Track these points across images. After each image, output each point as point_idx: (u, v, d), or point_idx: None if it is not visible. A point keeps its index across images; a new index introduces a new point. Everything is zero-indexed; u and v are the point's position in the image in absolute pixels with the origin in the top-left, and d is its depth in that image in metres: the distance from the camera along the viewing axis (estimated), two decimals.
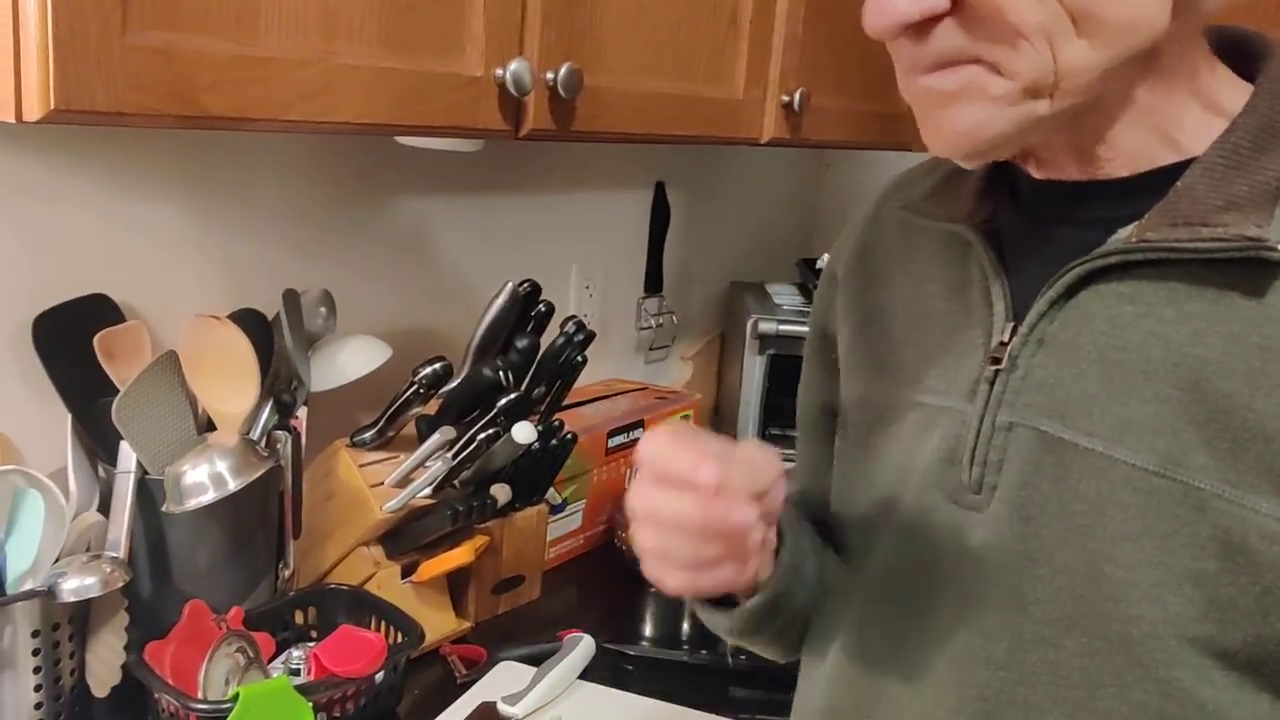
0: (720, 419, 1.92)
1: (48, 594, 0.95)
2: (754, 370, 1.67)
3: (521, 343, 1.20)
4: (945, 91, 0.61)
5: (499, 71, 0.98)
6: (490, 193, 1.52)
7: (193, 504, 1.01)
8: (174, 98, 0.76)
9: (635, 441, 1.57)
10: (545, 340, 1.29)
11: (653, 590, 1.41)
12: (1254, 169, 0.60)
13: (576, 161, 1.64)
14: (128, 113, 0.74)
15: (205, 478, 1.01)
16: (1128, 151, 0.63)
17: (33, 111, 0.70)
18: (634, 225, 1.81)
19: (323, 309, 1.23)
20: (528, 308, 1.28)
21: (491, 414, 1.15)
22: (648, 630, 1.38)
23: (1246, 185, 0.59)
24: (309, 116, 0.85)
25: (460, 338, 1.27)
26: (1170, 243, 0.60)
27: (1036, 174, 0.67)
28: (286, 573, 1.17)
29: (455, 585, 1.29)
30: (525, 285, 1.27)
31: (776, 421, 1.73)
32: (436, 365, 1.14)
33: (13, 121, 0.71)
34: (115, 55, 0.72)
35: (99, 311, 1.09)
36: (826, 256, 1.86)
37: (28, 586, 0.96)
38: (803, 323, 1.67)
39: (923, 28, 0.60)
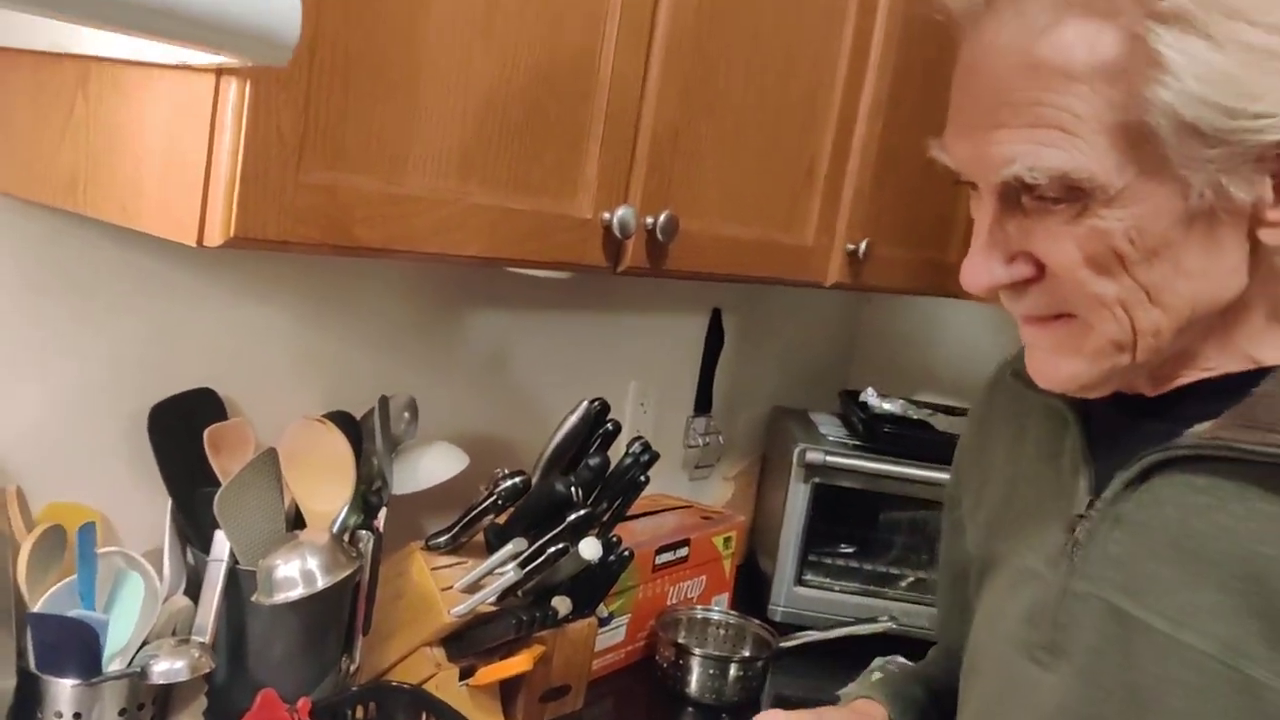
0: (758, 539, 1.96)
1: (140, 675, 1.00)
2: (798, 497, 1.72)
3: (594, 460, 1.26)
4: (1039, 342, 0.70)
5: (606, 215, 1.06)
6: (562, 312, 1.60)
7: (281, 597, 1.06)
8: (332, 229, 0.84)
9: (681, 559, 1.63)
10: (611, 457, 1.35)
11: (689, 708, 1.45)
12: None
13: (642, 285, 1.72)
14: (292, 242, 0.82)
15: (296, 573, 1.06)
16: (1201, 370, 0.70)
17: (214, 238, 0.78)
18: (689, 347, 1.88)
19: (407, 414, 1.29)
20: (596, 425, 1.34)
21: (560, 528, 1.20)
22: None
23: None
24: (443, 249, 0.93)
25: (526, 448, 1.33)
26: (1241, 444, 0.64)
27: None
28: (352, 667, 1.21)
29: (505, 691, 1.32)
30: (596, 404, 1.34)
31: (815, 548, 1.77)
32: (516, 479, 1.20)
33: (192, 245, 0.79)
34: (289, 192, 0.80)
35: (204, 405, 1.16)
36: (871, 390, 1.93)
37: (118, 665, 1.01)
38: (846, 454, 1.72)
39: (1017, 286, 0.67)
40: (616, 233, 1.06)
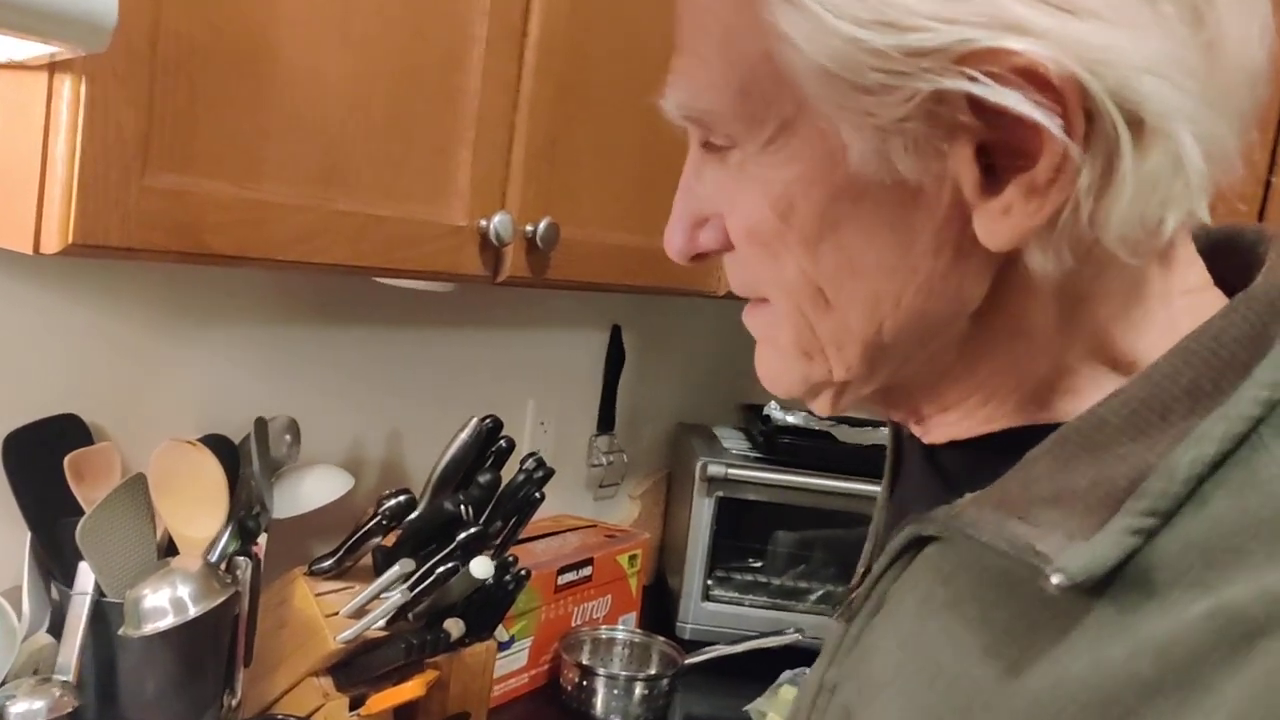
0: (666, 558, 1.94)
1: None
2: (703, 512, 1.71)
3: (484, 478, 1.23)
4: (752, 329, 0.56)
5: (482, 222, 1.04)
6: (451, 328, 1.57)
7: (150, 628, 1.01)
8: (181, 236, 0.81)
9: (585, 579, 1.60)
10: (504, 475, 1.32)
11: None
12: (1110, 458, 0.44)
13: (537, 302, 1.70)
14: (137, 249, 0.78)
15: (166, 602, 1.01)
16: (978, 416, 0.52)
17: (50, 244, 0.74)
18: (589, 365, 1.86)
19: (288, 436, 1.25)
20: (488, 443, 1.31)
21: (450, 548, 1.17)
22: None
23: (1089, 478, 0.45)
24: (303, 258, 0.90)
25: (416, 469, 1.30)
26: (969, 527, 0.48)
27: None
28: (233, 701, 1.15)
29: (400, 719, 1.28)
30: (488, 421, 1.31)
31: (722, 563, 1.76)
32: (401, 497, 1.17)
33: (28, 253, 0.75)
34: (132, 196, 0.77)
35: (68, 431, 1.10)
36: (774, 402, 1.93)
37: None
38: (748, 466, 1.72)
39: (718, 255, 0.55)
40: (494, 240, 1.04)
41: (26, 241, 0.75)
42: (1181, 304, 0.48)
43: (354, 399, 1.43)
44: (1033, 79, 0.40)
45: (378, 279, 1.21)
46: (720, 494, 1.70)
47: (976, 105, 0.42)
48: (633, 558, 1.71)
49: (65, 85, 0.72)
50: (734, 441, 1.86)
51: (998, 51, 0.40)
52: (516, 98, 1.07)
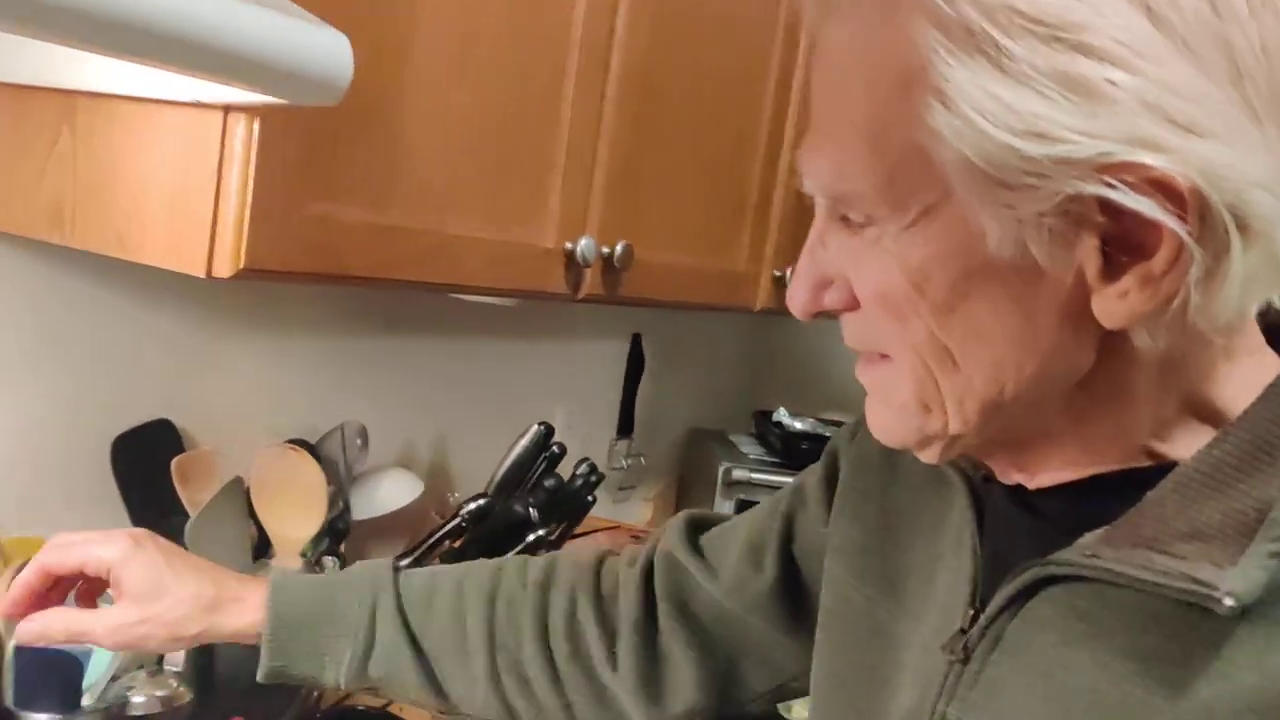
0: None
1: (119, 708, 1.00)
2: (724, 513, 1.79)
3: (549, 482, 1.30)
4: (865, 383, 0.60)
5: (568, 245, 1.11)
6: (491, 340, 1.64)
7: None
8: (326, 259, 0.87)
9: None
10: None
11: None
12: (1234, 492, 0.51)
13: (566, 312, 1.77)
14: (294, 272, 0.85)
15: None
16: (1082, 463, 0.58)
17: (223, 269, 0.80)
18: (611, 372, 1.94)
19: (359, 441, 1.31)
20: (543, 448, 1.39)
21: (520, 547, 1.24)
22: None
23: (1220, 511, 0.51)
24: (423, 278, 0.97)
25: (463, 473, 1.36)
26: (1117, 565, 0.53)
27: (998, 476, 0.63)
28: (314, 696, 1.22)
29: None
30: (543, 427, 1.38)
31: None
32: (481, 501, 1.23)
33: (201, 276, 0.81)
34: (292, 224, 0.83)
35: (163, 436, 1.16)
36: (783, 410, 2.02)
37: (90, 700, 1.00)
38: (766, 470, 1.80)
39: (840, 315, 0.59)
40: (580, 261, 1.11)
41: (199, 266, 0.81)
42: (1248, 362, 0.55)
43: (403, 406, 1.49)
44: (1162, 188, 0.46)
45: (455, 295, 1.28)
46: (740, 496, 1.79)
47: (1105, 205, 0.47)
48: None
49: (240, 124, 0.79)
50: (749, 447, 1.95)
51: (1134, 165, 0.46)
52: (599, 127, 1.14)
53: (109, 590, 0.85)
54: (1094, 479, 0.57)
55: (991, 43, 0.47)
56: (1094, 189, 0.47)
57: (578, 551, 0.93)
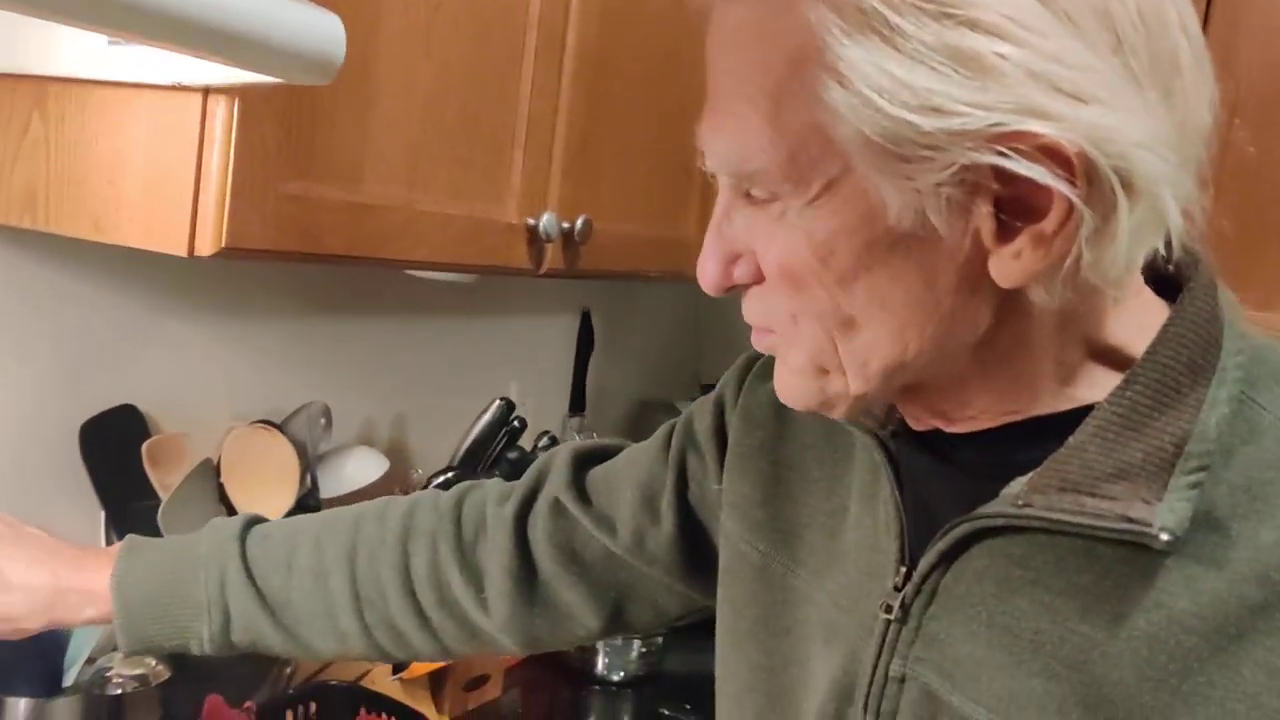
0: None
1: (100, 689, 1.01)
2: None
3: (512, 454, 1.33)
4: (763, 350, 0.63)
5: (530, 220, 1.14)
6: (443, 318, 1.65)
7: None
8: (305, 237, 0.89)
9: None
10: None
11: (596, 686, 1.53)
12: (1151, 430, 0.54)
13: (517, 289, 1.80)
14: (273, 250, 0.86)
15: None
16: (994, 410, 0.60)
17: (205, 248, 0.82)
18: (562, 348, 1.97)
19: (322, 420, 1.32)
20: (504, 423, 1.42)
21: None
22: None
23: (1141, 450, 0.54)
24: (395, 255, 0.99)
25: (423, 449, 1.38)
26: (1054, 514, 0.55)
27: (912, 424, 0.64)
28: (288, 669, 1.23)
29: (432, 683, 1.37)
30: (503, 402, 1.41)
31: None
32: (449, 474, 1.26)
33: (182, 255, 0.82)
34: (270, 203, 0.85)
35: (128, 421, 1.16)
36: None
37: (73, 681, 1.01)
38: None
39: (745, 288, 0.60)
40: (542, 236, 1.14)
41: (181, 246, 0.82)
42: (1134, 304, 0.59)
43: (361, 386, 1.50)
44: (1051, 154, 0.49)
45: (411, 272, 1.30)
46: None
47: (998, 172, 0.50)
48: None
49: (220, 105, 0.80)
50: None
51: (1024, 134, 0.49)
52: (557, 102, 1.17)
53: None
54: (1006, 426, 0.60)
55: (884, 21, 0.49)
56: (988, 158, 0.49)
57: (437, 493, 0.90)
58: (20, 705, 0.97)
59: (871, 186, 0.52)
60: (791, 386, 0.61)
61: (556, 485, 0.85)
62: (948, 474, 0.63)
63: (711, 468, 0.80)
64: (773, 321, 0.59)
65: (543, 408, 1.91)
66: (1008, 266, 0.53)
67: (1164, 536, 0.52)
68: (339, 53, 0.65)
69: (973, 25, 0.49)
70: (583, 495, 0.85)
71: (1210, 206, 0.56)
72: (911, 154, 0.50)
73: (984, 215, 0.52)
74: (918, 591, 0.62)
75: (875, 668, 0.64)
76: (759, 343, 0.62)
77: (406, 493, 1.32)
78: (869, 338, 0.56)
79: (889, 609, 0.63)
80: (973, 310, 0.55)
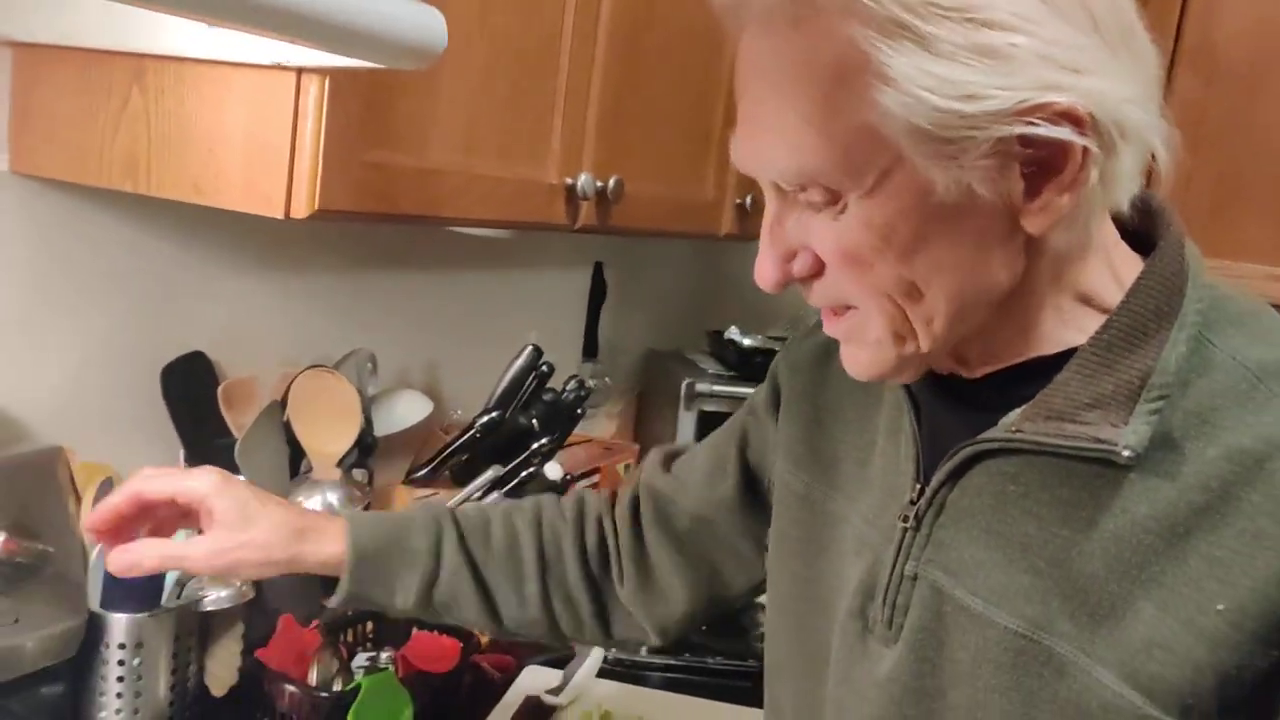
0: None
1: (196, 605, 1.12)
2: (686, 424, 1.95)
3: (548, 396, 1.44)
4: (836, 334, 0.72)
5: (569, 180, 1.24)
6: (470, 270, 1.76)
7: None
8: (383, 200, 0.99)
9: (593, 486, 1.83)
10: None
11: None
12: (1122, 367, 0.65)
13: (534, 243, 1.90)
14: (358, 211, 0.96)
15: (319, 506, 1.20)
16: (1005, 354, 0.71)
17: (300, 210, 0.92)
18: (576, 299, 2.08)
19: (370, 365, 1.43)
20: (534, 367, 1.53)
21: (528, 454, 1.38)
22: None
23: (1112, 383, 0.65)
24: (456, 214, 1.09)
25: (457, 392, 1.49)
26: (1038, 437, 0.66)
27: (937, 370, 0.74)
28: None
29: None
30: (534, 348, 1.52)
31: None
32: (494, 414, 1.37)
33: (280, 217, 0.92)
34: (354, 170, 0.95)
35: (199, 366, 1.27)
36: (734, 328, 2.17)
37: (173, 599, 1.13)
38: (724, 383, 1.97)
39: (806, 281, 0.69)
40: (580, 195, 1.24)
41: (278, 208, 0.92)
42: (1115, 253, 0.70)
43: (397, 335, 1.61)
44: (1067, 116, 0.60)
45: (463, 230, 1.40)
46: (703, 408, 1.95)
47: (1024, 140, 0.60)
48: (626, 466, 1.95)
49: (313, 83, 0.90)
50: (706, 363, 2.11)
51: (1045, 104, 0.60)
52: (591, 72, 1.26)
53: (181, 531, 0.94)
54: (1009, 368, 0.71)
55: (917, 30, 0.59)
56: (1017, 129, 0.60)
57: (598, 491, 1.09)
58: (126, 620, 1.08)
59: (921, 170, 0.62)
60: (866, 359, 0.71)
61: (650, 474, 1.04)
62: (959, 410, 0.74)
63: (769, 422, 0.94)
64: (845, 299, 0.69)
65: (559, 355, 2.02)
66: (1037, 218, 0.64)
67: (1126, 453, 0.63)
68: (440, 42, 0.75)
69: (988, 24, 0.59)
70: (668, 474, 1.02)
71: (1191, 168, 0.68)
72: (955, 136, 0.60)
73: (1015, 178, 0.62)
74: (929, 505, 0.73)
75: (893, 569, 0.75)
76: (833, 328, 0.71)
77: (447, 433, 1.43)
78: (932, 299, 0.66)
79: (905, 519, 0.75)
80: (1012, 258, 0.66)
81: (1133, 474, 0.65)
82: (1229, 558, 0.61)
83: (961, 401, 0.74)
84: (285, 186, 0.92)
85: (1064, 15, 0.60)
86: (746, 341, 2.13)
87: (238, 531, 0.89)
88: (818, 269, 0.68)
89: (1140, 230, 0.72)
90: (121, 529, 0.90)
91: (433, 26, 0.73)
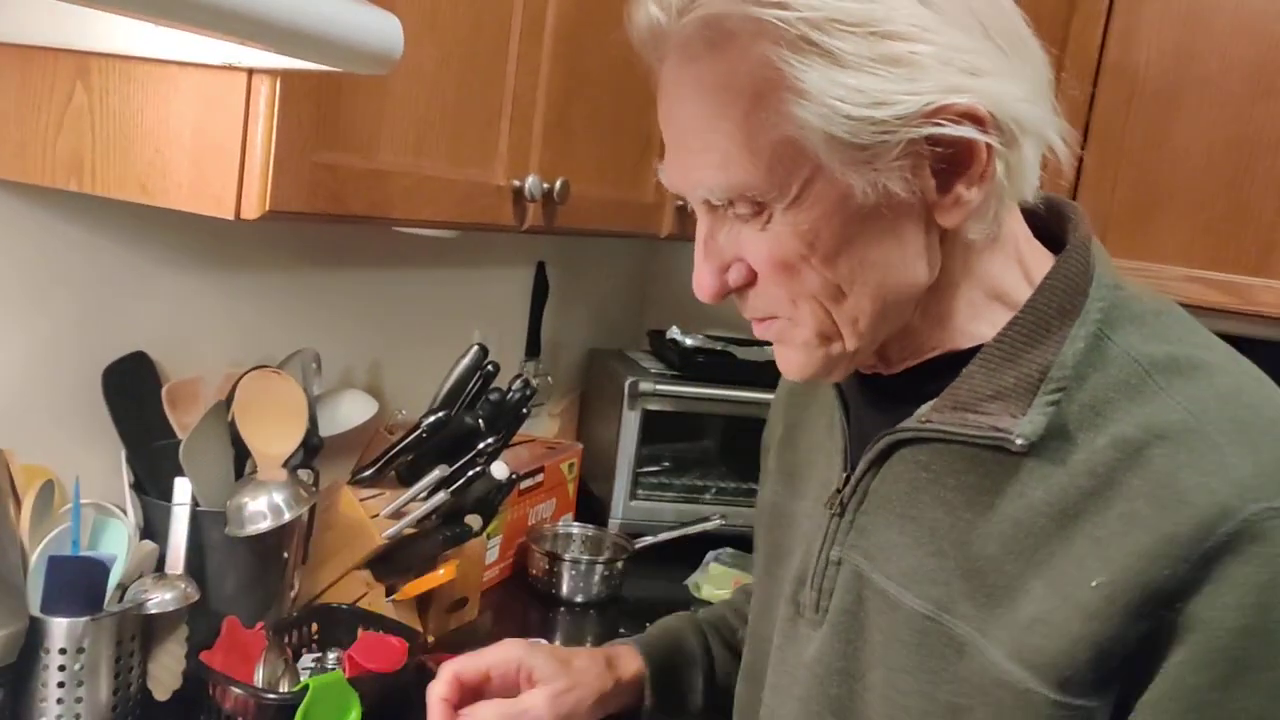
0: (587, 465, 2.19)
1: (138, 608, 1.11)
2: (630, 423, 1.97)
3: (494, 396, 1.44)
4: (768, 338, 0.76)
5: (516, 182, 1.25)
6: (414, 269, 1.76)
7: (252, 529, 1.19)
8: (333, 201, 0.99)
9: (538, 485, 1.84)
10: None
11: (562, 607, 1.66)
12: (1023, 361, 0.70)
13: (478, 243, 1.90)
14: (307, 212, 0.96)
15: (265, 508, 1.20)
16: (923, 349, 0.75)
17: (251, 211, 0.92)
18: (518, 298, 2.08)
19: (314, 365, 1.43)
20: (479, 366, 1.53)
21: (473, 454, 1.39)
22: (557, 640, 1.63)
23: (1014, 376, 0.69)
24: (405, 215, 1.10)
25: (401, 392, 1.49)
26: (944, 425, 0.72)
27: (861, 370, 0.80)
28: (292, 594, 1.35)
29: (420, 606, 1.49)
30: (479, 348, 1.52)
31: (647, 465, 2.03)
32: (440, 414, 1.37)
33: (230, 219, 0.92)
34: (305, 170, 0.95)
35: (140, 366, 1.26)
36: (675, 328, 2.20)
37: (114, 602, 1.11)
38: (667, 382, 1.99)
39: (739, 290, 0.73)
40: (526, 196, 1.25)
41: (228, 209, 0.92)
42: (1026, 251, 0.75)
43: (340, 334, 1.60)
44: (969, 116, 0.65)
45: (411, 230, 1.40)
46: (647, 406, 1.97)
47: (932, 140, 0.66)
48: (570, 465, 1.96)
49: (264, 84, 0.90)
50: (649, 363, 2.13)
51: (948, 105, 0.65)
52: (537, 77, 1.27)
53: None
54: (927, 362, 0.76)
55: (825, 46, 0.64)
56: (925, 130, 0.65)
57: None
58: (67, 625, 1.07)
59: (840, 176, 0.66)
60: (798, 361, 0.75)
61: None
62: (882, 405, 0.79)
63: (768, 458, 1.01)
64: (774, 310, 0.73)
65: (502, 354, 2.02)
66: (950, 212, 0.69)
67: (1019, 441, 0.68)
68: (399, 47, 0.75)
69: (890, 35, 0.64)
70: None
71: (1115, 176, 0.73)
72: (869, 141, 0.65)
73: (926, 176, 0.67)
74: (853, 492, 0.79)
75: (819, 554, 0.81)
76: (763, 332, 0.76)
77: (391, 433, 1.43)
78: (855, 299, 0.70)
79: (831, 505, 0.81)
80: (929, 254, 0.70)
81: (1030, 461, 0.69)
82: (1108, 537, 0.65)
83: (885, 396, 0.79)
84: (236, 187, 0.92)
85: (957, 24, 0.66)
86: (688, 341, 2.15)
87: (564, 677, 0.98)
88: (750, 278, 0.72)
89: (1055, 232, 0.77)
90: (449, 713, 0.95)
91: (390, 32, 0.74)
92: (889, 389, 0.79)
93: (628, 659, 1.05)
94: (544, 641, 1.05)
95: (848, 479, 0.80)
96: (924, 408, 0.73)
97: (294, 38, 0.68)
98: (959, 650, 0.70)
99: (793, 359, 0.75)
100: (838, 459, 0.82)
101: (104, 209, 1.16)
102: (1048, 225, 0.77)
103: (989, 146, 0.66)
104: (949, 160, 0.67)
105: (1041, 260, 0.75)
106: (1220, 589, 0.62)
